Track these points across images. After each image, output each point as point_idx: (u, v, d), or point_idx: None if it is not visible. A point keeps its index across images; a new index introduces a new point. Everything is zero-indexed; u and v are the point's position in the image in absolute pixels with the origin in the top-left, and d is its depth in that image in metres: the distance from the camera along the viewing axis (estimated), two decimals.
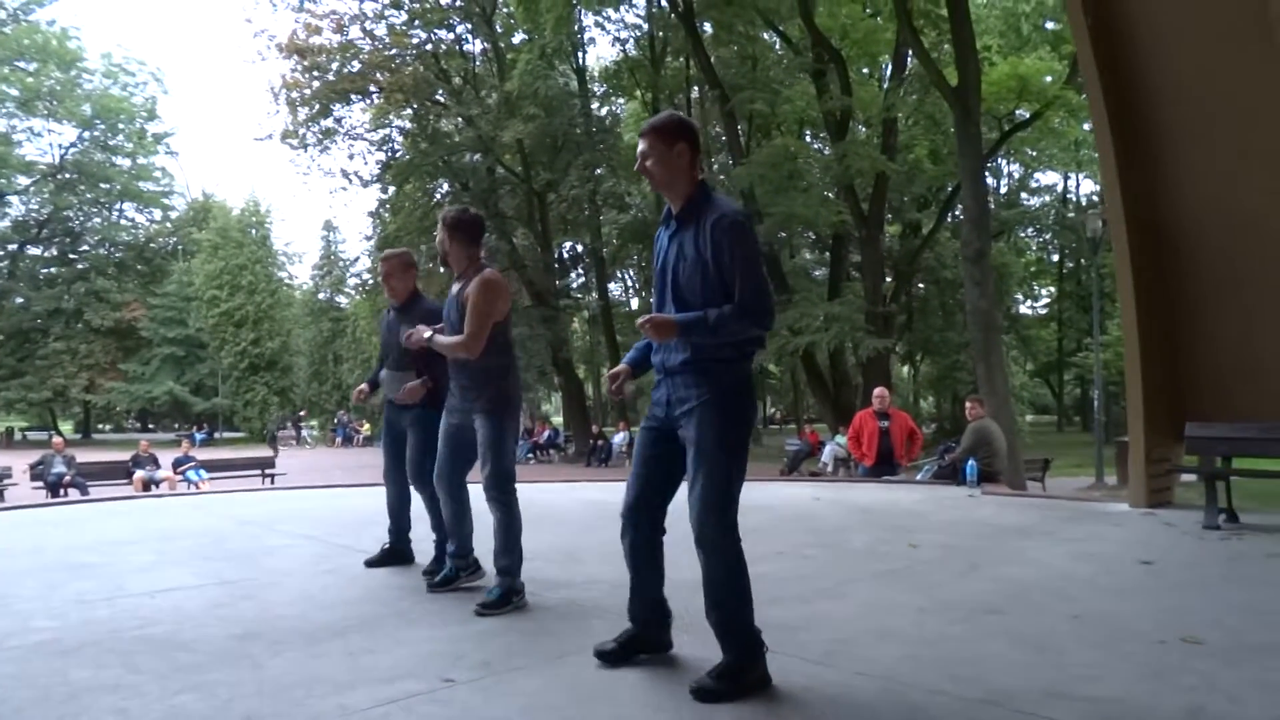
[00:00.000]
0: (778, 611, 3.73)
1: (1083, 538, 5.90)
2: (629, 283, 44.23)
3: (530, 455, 27.07)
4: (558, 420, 39.17)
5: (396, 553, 4.90)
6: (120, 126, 47.45)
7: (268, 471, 16.63)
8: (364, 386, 4.99)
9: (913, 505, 7.63)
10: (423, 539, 4.76)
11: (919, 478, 10.82)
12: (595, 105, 32.00)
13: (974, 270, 14.39)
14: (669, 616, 3.16)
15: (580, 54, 30.67)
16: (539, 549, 4.78)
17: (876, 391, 10.30)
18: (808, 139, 28.97)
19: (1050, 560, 5.09)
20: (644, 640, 3.13)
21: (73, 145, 47.24)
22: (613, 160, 30.09)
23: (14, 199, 46.90)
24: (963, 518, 6.91)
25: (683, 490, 2.96)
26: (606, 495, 8.50)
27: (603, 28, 29.50)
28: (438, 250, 4.13)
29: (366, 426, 41.73)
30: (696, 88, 30.30)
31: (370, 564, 4.84)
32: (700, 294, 2.83)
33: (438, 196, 31.32)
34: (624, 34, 29.57)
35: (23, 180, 46.07)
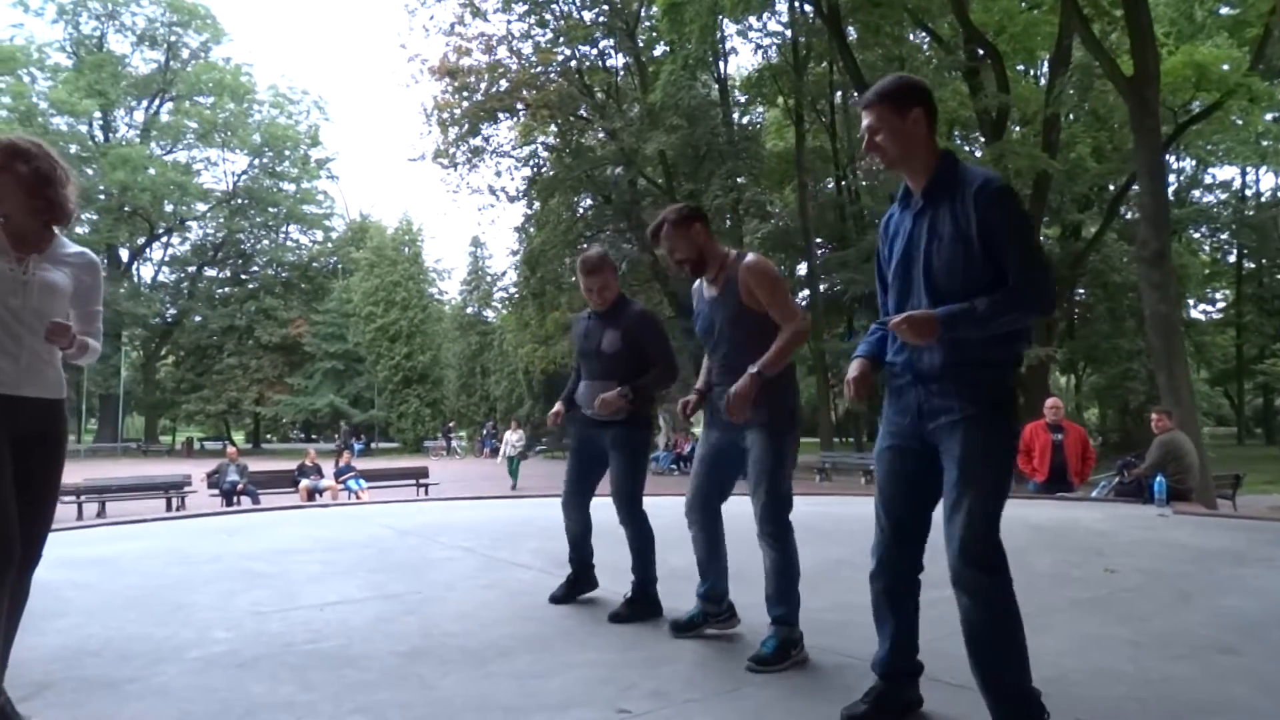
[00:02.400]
0: None
1: None
2: None
3: (673, 466, 26.97)
4: (699, 431, 39.01)
5: (584, 581, 4.37)
6: (286, 153, 50.51)
7: (422, 481, 17.10)
8: (559, 408, 4.35)
9: (1096, 525, 7.02)
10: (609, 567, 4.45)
11: (1094, 495, 10.05)
12: (736, 114, 31.81)
13: (1152, 273, 13.33)
14: (920, 669, 2.75)
15: (722, 63, 30.58)
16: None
17: (1049, 402, 9.60)
18: (958, 141, 27.88)
19: (1275, 590, 4.51)
20: (894, 697, 2.68)
21: (244, 172, 50.68)
22: (755, 169, 29.80)
23: (193, 224, 50.74)
24: (1158, 539, 6.29)
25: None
26: None
27: (745, 36, 29.35)
28: (681, 262, 3.54)
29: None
30: (840, 92, 29.68)
31: (556, 599, 4.28)
32: (962, 279, 2.41)
33: (581, 210, 31.83)
34: (766, 41, 29.30)
35: (201, 207, 49.76)
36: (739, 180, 28.65)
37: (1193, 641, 3.54)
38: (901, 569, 2.62)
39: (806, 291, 27.72)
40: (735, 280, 3.37)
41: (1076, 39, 19.04)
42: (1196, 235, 38.75)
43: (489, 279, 53.54)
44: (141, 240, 49.50)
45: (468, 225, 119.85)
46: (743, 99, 32.10)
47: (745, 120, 33.06)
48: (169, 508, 14.97)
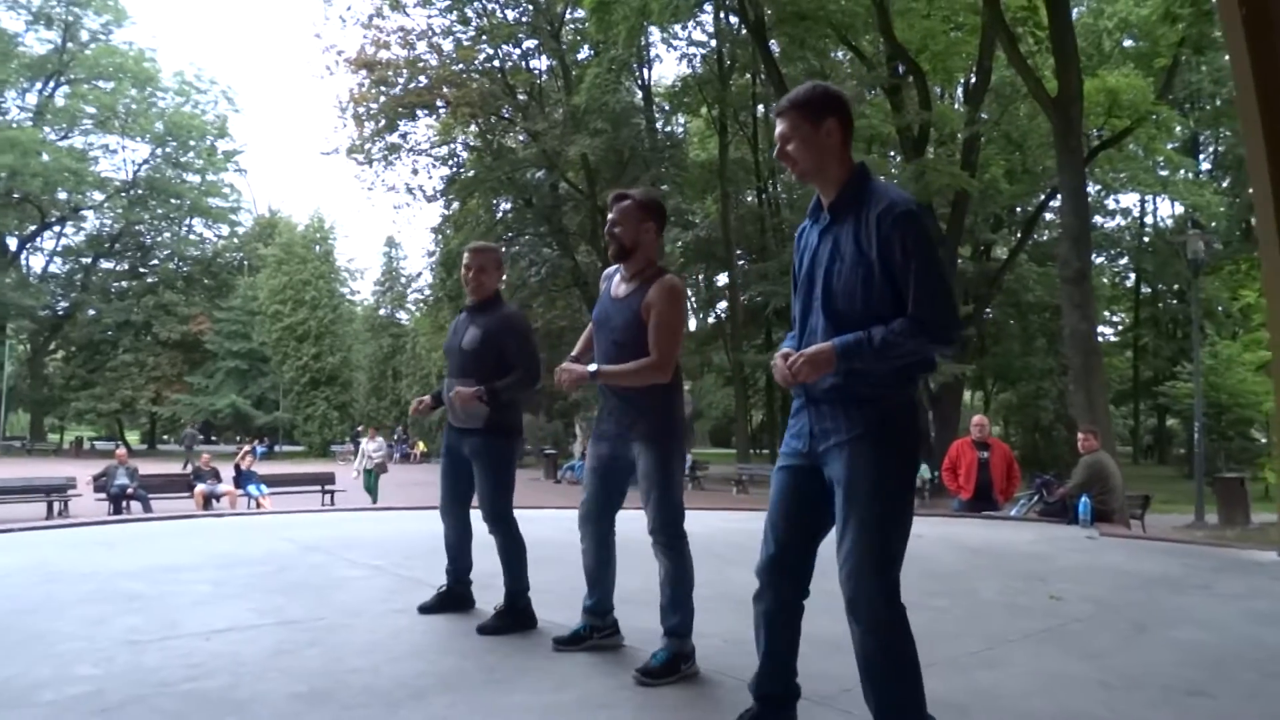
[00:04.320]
0: (933, 682, 3.09)
1: (1245, 593, 5.19)
2: (691, 303, 43.81)
3: None
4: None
5: (456, 596, 4.20)
6: (191, 144, 48.41)
7: (328, 488, 16.36)
8: (426, 398, 4.26)
9: (1029, 547, 6.91)
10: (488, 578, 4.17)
11: (1013, 513, 10.05)
12: (660, 122, 31.71)
13: (1074, 292, 13.53)
14: (798, 694, 2.63)
15: (646, 70, 30.44)
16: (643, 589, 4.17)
17: (975, 420, 9.56)
18: (874, 158, 28.29)
19: (1226, 622, 4.39)
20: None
21: (145, 162, 48.37)
22: (678, 177, 29.73)
23: (89, 214, 48.20)
24: (1094, 564, 6.19)
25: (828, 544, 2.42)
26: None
27: (669, 44, 29.25)
28: (616, 237, 3.36)
29: (421, 445, 41.66)
30: (763, 105, 29.85)
31: (425, 609, 4.13)
32: (861, 301, 2.29)
33: (501, 212, 31.29)
34: (691, 49, 29.26)
35: (97, 196, 47.26)
36: (662, 188, 28.52)
37: (1161, 681, 3.34)
38: (784, 593, 2.50)
39: (725, 304, 27.71)
40: (645, 290, 3.31)
41: (997, 60, 19.40)
42: (1099, 260, 40.20)
43: (403, 280, 52.53)
44: (32, 228, 46.78)
45: (382, 224, 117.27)
46: (666, 107, 32.04)
47: (668, 129, 33.01)
48: (50, 513, 13.94)
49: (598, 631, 3.54)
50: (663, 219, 3.46)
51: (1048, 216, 29.86)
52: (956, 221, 21.36)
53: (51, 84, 46.57)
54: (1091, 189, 38.43)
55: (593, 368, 3.33)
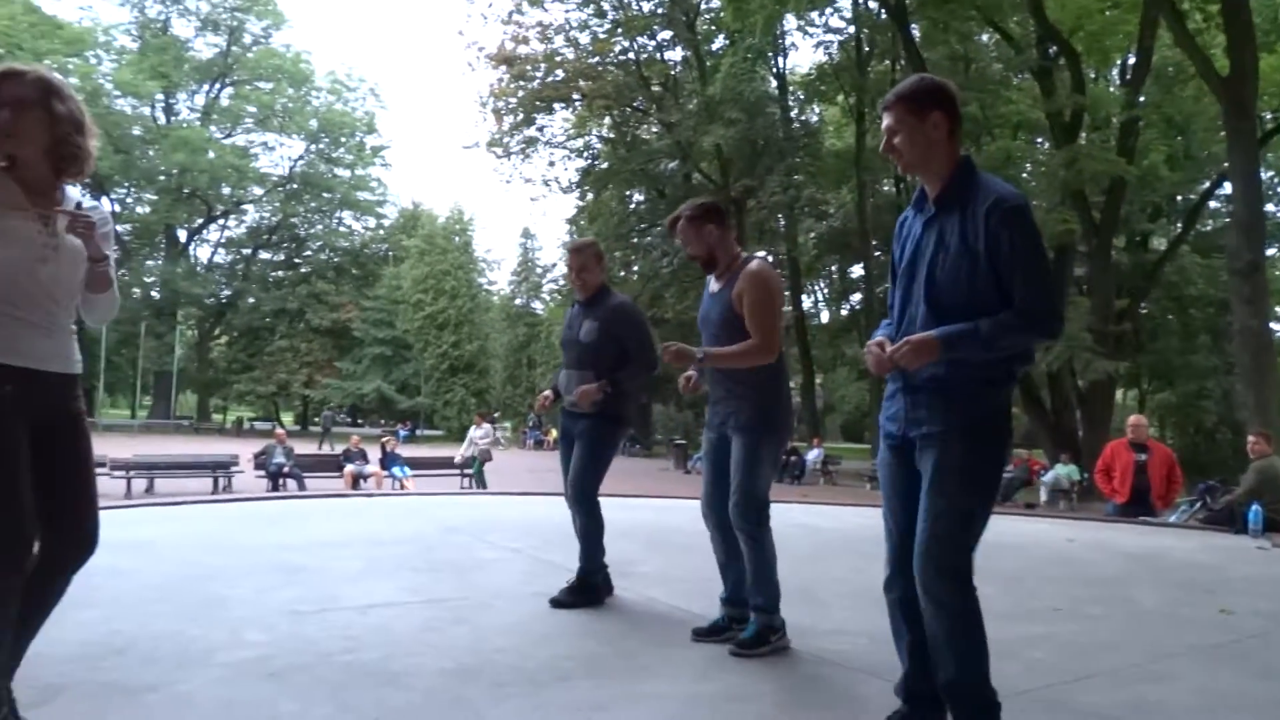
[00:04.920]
0: (1091, 696, 2.99)
1: None
2: (820, 294, 43.07)
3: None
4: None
5: (588, 588, 4.17)
6: (342, 140, 50.84)
7: (466, 472, 16.90)
8: (548, 392, 4.37)
9: (1192, 556, 6.50)
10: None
11: (1173, 519, 9.46)
12: (795, 111, 31.24)
13: (1244, 285, 12.60)
14: None
15: (781, 58, 30.02)
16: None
17: (1132, 420, 9.06)
18: (1022, 143, 27.05)
19: None
20: None
21: (300, 158, 51.12)
22: (812, 167, 29.23)
23: (249, 207, 51.41)
24: (1267, 576, 5.78)
25: None
26: (818, 520, 7.82)
27: (805, 31, 28.75)
28: (693, 257, 3.64)
29: (555, 432, 42.55)
30: None
31: (556, 604, 4.05)
32: (965, 294, 2.33)
33: (634, 204, 31.54)
34: (828, 36, 28.69)
35: (257, 190, 50.39)
36: (796, 178, 28.11)
37: None
38: (912, 578, 2.44)
39: (860, 295, 27.12)
40: (734, 283, 3.47)
41: (1159, 39, 18.20)
42: (1271, 252, 37.26)
43: (539, 270, 53.73)
44: (199, 222, 50.20)
45: (519, 216, 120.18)
46: (801, 95, 31.51)
47: (803, 117, 32.48)
48: (215, 488, 14.94)
49: (737, 623, 3.54)
50: (719, 215, 3.62)
51: (1213, 205, 27.87)
52: (1111, 211, 20.17)
53: (217, 86, 49.84)
54: (1265, 175, 35.80)
55: (700, 351, 3.46)
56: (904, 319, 2.47)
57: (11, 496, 2.18)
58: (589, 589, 4.10)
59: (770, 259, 32.95)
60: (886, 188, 32.04)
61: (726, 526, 3.49)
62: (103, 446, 17.63)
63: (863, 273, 28.24)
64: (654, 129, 30.02)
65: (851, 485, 22.72)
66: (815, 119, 33.33)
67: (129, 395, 51.86)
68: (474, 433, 17.96)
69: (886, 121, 2.47)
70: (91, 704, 2.66)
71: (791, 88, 31.05)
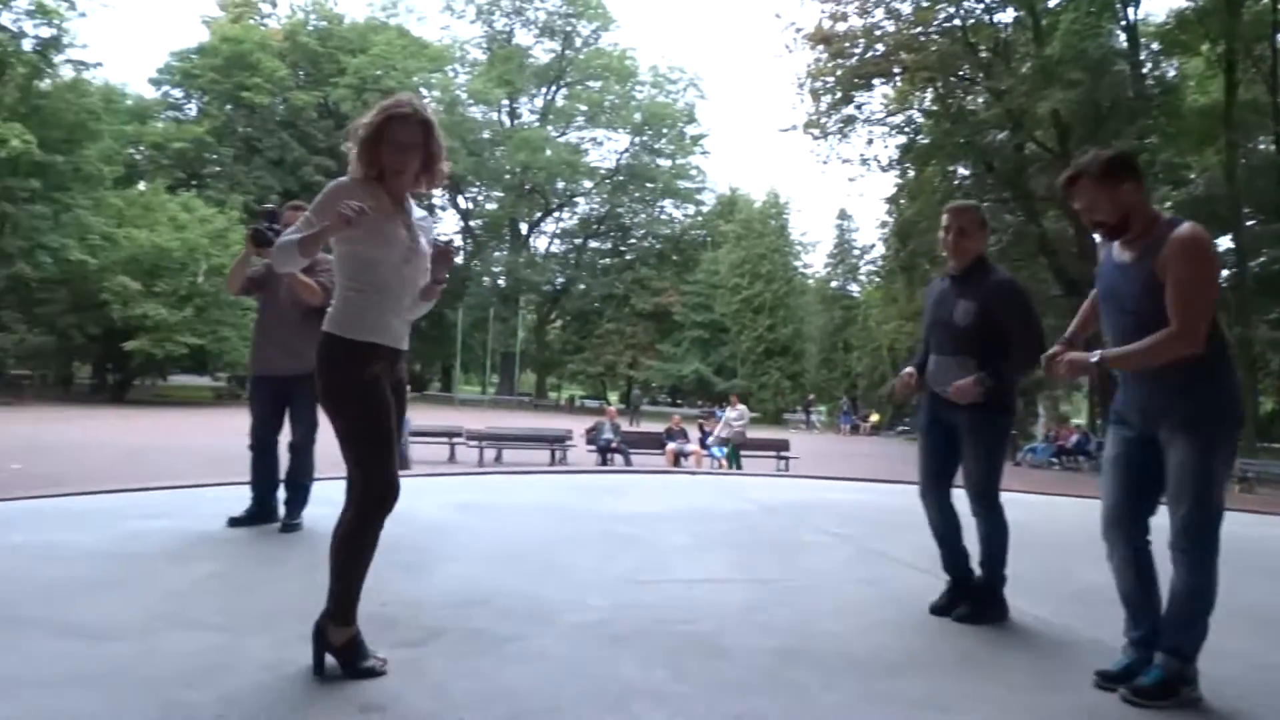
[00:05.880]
0: None
1: None
2: None
3: (1054, 461, 24.53)
4: (1079, 421, 35.26)
5: (966, 589, 3.71)
6: (664, 131, 52.94)
7: (783, 454, 16.99)
8: (911, 370, 3.80)
9: None
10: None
11: None
12: (1148, 66, 27.91)
13: None
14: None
15: (1132, 8, 26.92)
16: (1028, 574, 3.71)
17: None
18: None
19: None
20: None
21: (625, 151, 53.93)
22: (1170, 127, 26.02)
23: (580, 200, 55.18)
24: None
25: None
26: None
27: None
28: (1098, 224, 2.92)
29: (875, 416, 41.54)
30: None
31: (937, 610, 3.68)
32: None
33: (959, 179, 29.94)
34: None
35: (587, 183, 53.90)
36: (1149, 141, 25.13)
37: None
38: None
39: (1230, 271, 23.74)
40: (1156, 250, 2.77)
41: None
42: None
43: (855, 252, 52.70)
44: (538, 215, 54.63)
45: (835, 197, 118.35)
46: (1156, 47, 28.06)
47: (1157, 73, 28.92)
48: (552, 460, 16.21)
49: (1184, 684, 2.78)
50: (1135, 170, 2.91)
51: None
52: None
53: (554, 88, 53.91)
54: None
55: (1095, 355, 2.87)
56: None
57: (387, 454, 2.66)
58: (995, 600, 3.62)
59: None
60: (1263, 145, 27.78)
61: (1141, 549, 2.92)
62: (460, 418, 19.79)
63: (1233, 245, 24.67)
64: (981, 99, 28.21)
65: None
66: (1173, 73, 29.57)
67: (480, 373, 57.78)
68: (728, 414, 17.60)
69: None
70: (463, 648, 2.99)
71: (1144, 40, 27.75)
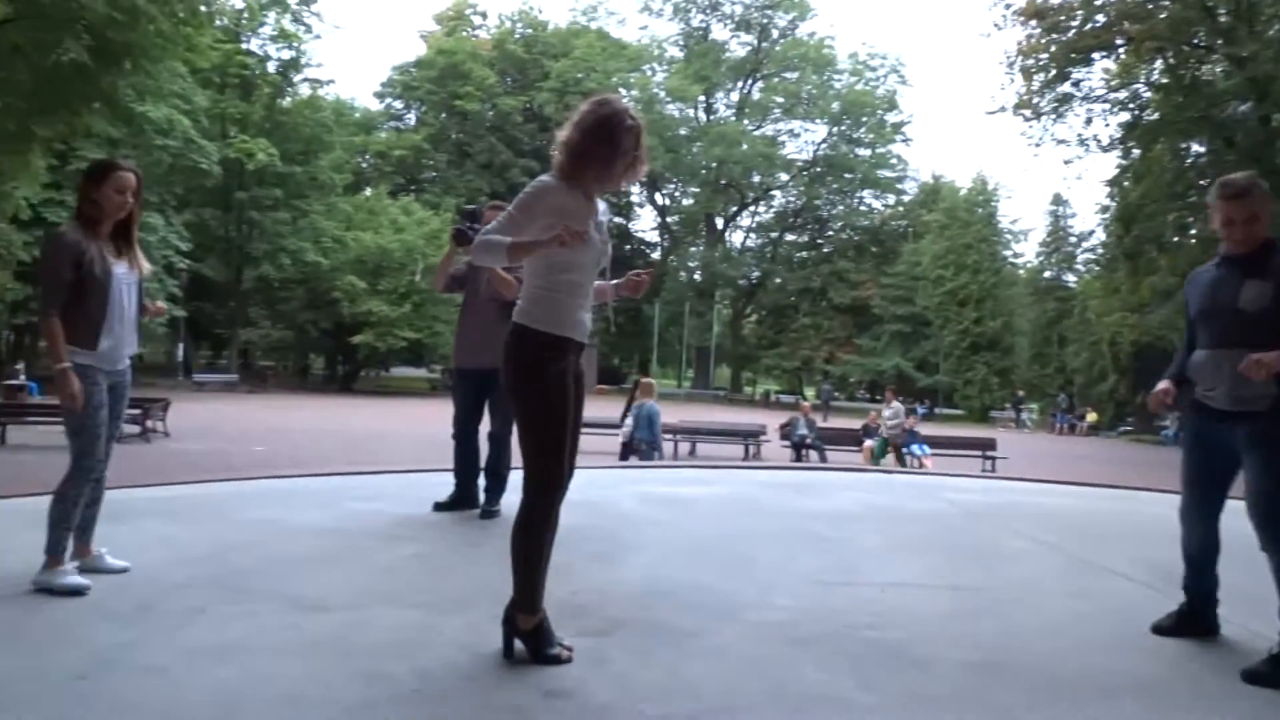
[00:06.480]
0: None
1: None
2: None
3: None
4: None
5: (1199, 619, 3.34)
6: (863, 120, 51.47)
7: (988, 454, 16.12)
8: (1167, 385, 3.34)
9: None
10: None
11: None
12: None
13: None
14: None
15: None
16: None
17: None
18: None
19: None
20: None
21: (823, 141, 52.88)
22: None
23: (777, 193, 54.65)
24: None
25: None
26: None
27: None
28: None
29: (1092, 415, 38.70)
30: None
31: (1161, 631, 3.33)
32: None
33: (1190, 158, 27.36)
34: None
35: (783, 176, 53.32)
36: None
37: None
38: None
39: None
40: None
41: None
42: None
43: (1071, 240, 49.36)
44: (733, 209, 54.58)
45: (1049, 181, 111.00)
46: None
47: None
48: (745, 454, 16.14)
49: None
50: None
51: None
52: None
53: (749, 81, 53.63)
54: None
55: None
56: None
57: (560, 447, 2.74)
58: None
59: None
60: None
61: None
62: (666, 413, 20.04)
63: None
64: (1219, 68, 25.60)
65: None
66: None
67: (675, 367, 58.51)
68: (883, 411, 16.88)
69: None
70: (644, 640, 3.00)
71: None
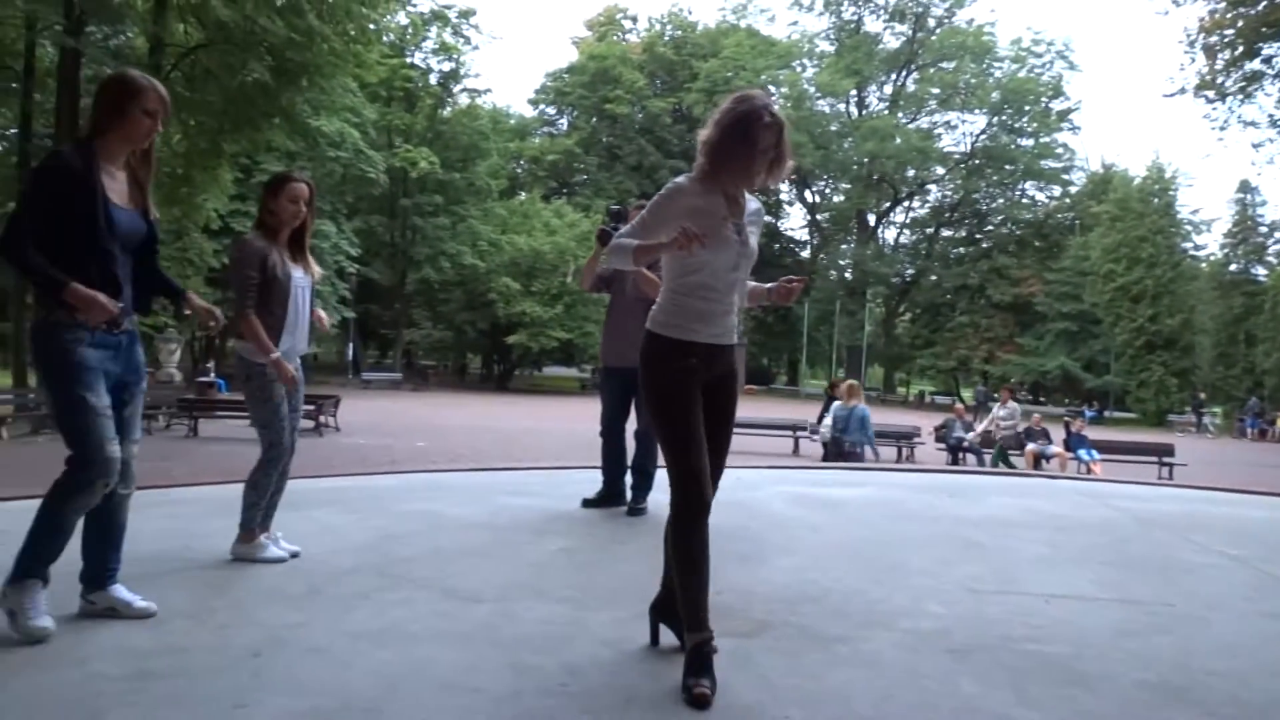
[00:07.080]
0: None
1: None
2: None
3: None
4: None
5: None
6: (1025, 109, 49.03)
7: (1165, 460, 15.03)
8: None
9: None
10: None
11: None
12: None
13: None
14: None
15: None
16: None
17: None
18: None
19: None
20: None
21: (982, 133, 50.70)
22: None
23: (932, 187, 52.86)
24: None
25: None
26: None
27: None
28: None
29: None
30: None
31: None
32: None
33: None
34: None
35: (939, 170, 51.46)
36: None
37: None
38: None
39: None
40: None
41: None
42: None
43: (1261, 230, 45.44)
44: (886, 205, 53.14)
45: (1235, 167, 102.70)
46: None
47: None
48: (899, 457, 15.67)
49: None
50: None
51: None
52: None
53: (903, 73, 52.09)
54: None
55: None
56: None
57: (688, 448, 2.60)
58: None
59: None
60: None
61: None
62: (804, 412, 19.78)
63: None
64: None
65: None
66: None
67: (826, 367, 57.48)
68: (997, 411, 15.70)
69: None
70: (791, 644, 2.96)
71: None
